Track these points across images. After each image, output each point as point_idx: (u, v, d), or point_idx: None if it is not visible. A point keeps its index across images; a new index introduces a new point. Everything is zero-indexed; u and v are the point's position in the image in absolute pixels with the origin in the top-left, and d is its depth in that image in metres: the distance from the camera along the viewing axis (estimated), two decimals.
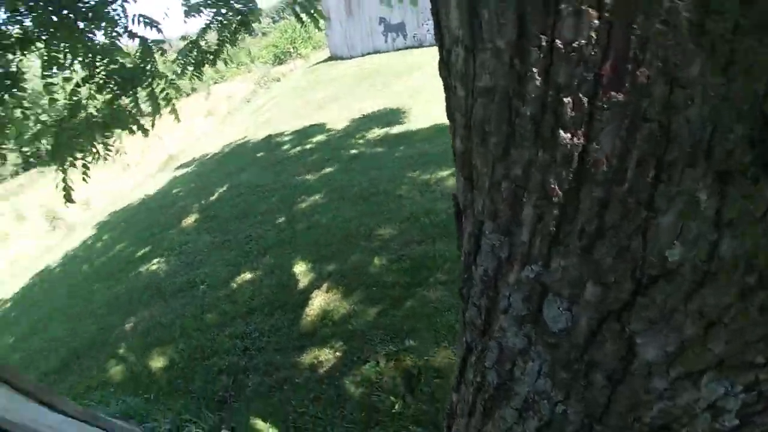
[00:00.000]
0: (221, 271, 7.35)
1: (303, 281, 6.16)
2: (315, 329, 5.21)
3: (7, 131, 4.42)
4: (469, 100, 0.93)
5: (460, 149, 1.04)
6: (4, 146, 4.54)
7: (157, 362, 5.70)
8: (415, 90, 14.78)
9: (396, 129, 11.78)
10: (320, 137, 13.31)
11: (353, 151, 11.08)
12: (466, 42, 0.89)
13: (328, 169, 10.25)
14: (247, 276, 6.88)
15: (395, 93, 15.26)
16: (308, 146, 12.85)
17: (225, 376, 4.96)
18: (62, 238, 18.00)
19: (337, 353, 4.76)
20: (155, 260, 9.29)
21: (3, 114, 4.24)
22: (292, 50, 35.86)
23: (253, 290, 6.41)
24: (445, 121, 1.08)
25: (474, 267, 1.09)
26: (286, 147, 13.78)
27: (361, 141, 11.72)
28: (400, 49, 21.90)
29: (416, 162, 8.98)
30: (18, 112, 4.29)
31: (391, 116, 13.03)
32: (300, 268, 6.45)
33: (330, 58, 25.29)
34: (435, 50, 1.05)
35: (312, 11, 5.07)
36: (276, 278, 6.49)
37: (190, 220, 10.75)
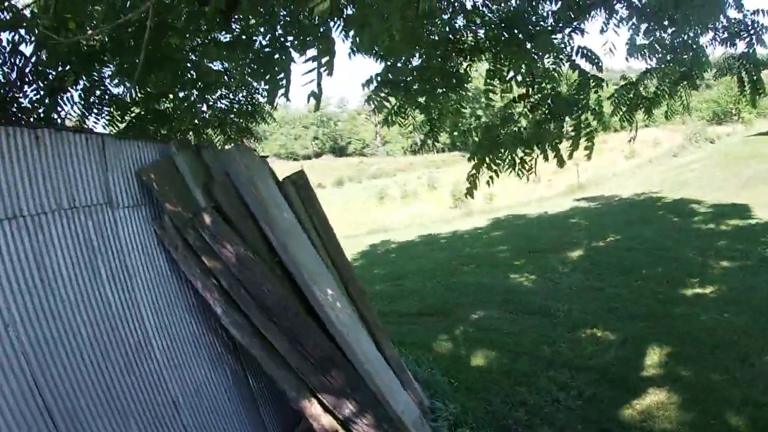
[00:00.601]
0: (578, 315, 7.21)
1: (649, 369, 5.53)
2: (630, 425, 4.61)
3: (447, 118, 5.11)
4: None
5: None
6: (437, 128, 5.23)
7: (478, 359, 6.05)
8: None
9: None
10: (738, 221, 11.59)
11: None
12: None
13: (732, 263, 8.85)
14: (598, 333, 6.56)
15: None
16: (722, 226, 11.35)
17: (523, 410, 4.91)
18: (459, 216, 20.25)
19: None
20: (525, 274, 9.78)
21: (443, 105, 4.90)
22: (733, 111, 31.90)
23: (596, 349, 6.07)
24: None
25: None
26: (697, 218, 12.51)
27: None
28: None
29: None
30: (456, 107, 4.90)
31: None
32: (653, 355, 5.77)
33: None
34: None
35: (755, 77, 4.40)
36: (625, 350, 5.96)
37: (573, 253, 10.85)
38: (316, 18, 2.44)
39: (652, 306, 7.24)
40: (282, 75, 2.80)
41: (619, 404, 4.93)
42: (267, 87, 3.13)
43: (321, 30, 2.56)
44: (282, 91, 2.86)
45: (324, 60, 2.49)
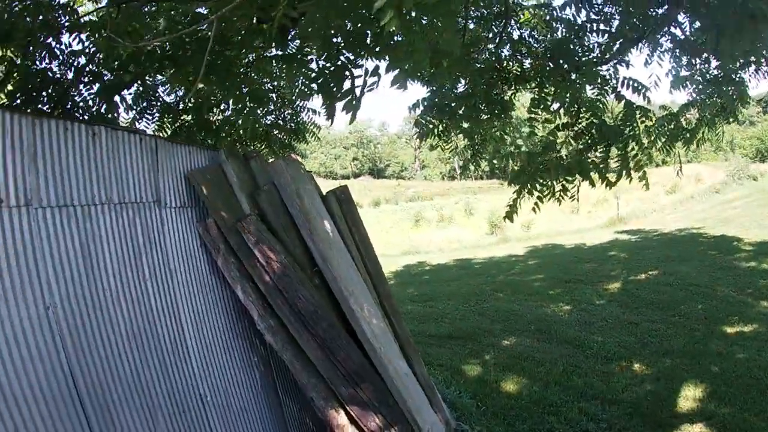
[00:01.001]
0: (612, 347, 7.07)
1: (683, 406, 5.36)
2: None
3: (488, 145, 5.12)
4: None
5: None
6: (480, 154, 5.24)
7: (508, 385, 5.98)
8: None
9: None
10: None
11: None
12: None
13: None
14: (633, 366, 6.41)
15: None
16: (763, 265, 10.99)
17: None
18: (495, 243, 20.09)
19: None
20: (560, 304, 9.61)
21: (485, 131, 4.93)
22: None
23: (629, 383, 5.92)
24: None
25: None
26: (739, 255, 12.19)
27: None
28: None
29: None
30: (498, 133, 4.92)
31: None
32: (688, 391, 5.60)
33: None
34: None
35: None
36: (659, 386, 5.79)
37: (611, 286, 10.63)
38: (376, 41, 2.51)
39: (688, 342, 7.05)
40: (347, 90, 2.82)
41: None
42: (324, 105, 3.20)
43: (377, 50, 2.63)
44: (344, 106, 2.89)
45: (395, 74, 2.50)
